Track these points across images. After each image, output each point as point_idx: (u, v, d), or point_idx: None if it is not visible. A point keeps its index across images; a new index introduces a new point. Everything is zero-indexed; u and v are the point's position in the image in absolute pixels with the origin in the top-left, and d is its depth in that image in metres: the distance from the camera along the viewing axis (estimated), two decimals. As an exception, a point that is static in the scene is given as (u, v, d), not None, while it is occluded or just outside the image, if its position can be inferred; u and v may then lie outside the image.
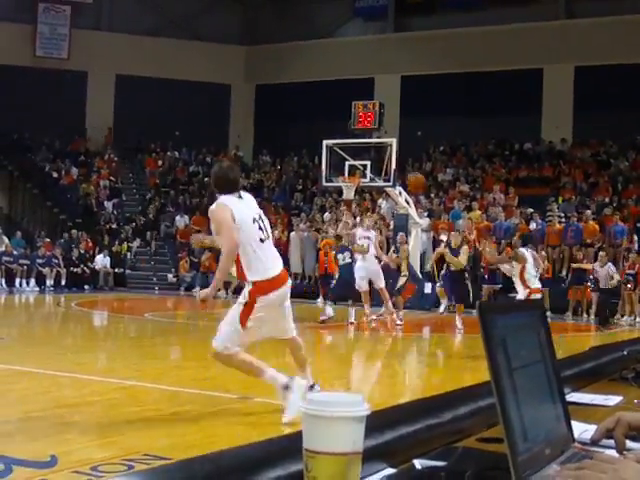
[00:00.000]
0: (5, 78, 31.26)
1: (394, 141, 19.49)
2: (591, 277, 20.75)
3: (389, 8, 34.06)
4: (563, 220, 24.15)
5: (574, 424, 1.80)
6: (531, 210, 24.68)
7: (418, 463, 1.78)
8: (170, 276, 27.91)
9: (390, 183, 19.31)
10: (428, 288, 16.84)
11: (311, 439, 1.53)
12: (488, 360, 1.51)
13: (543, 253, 22.73)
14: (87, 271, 27.13)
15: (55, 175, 32.39)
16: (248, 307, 6.56)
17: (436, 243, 22.29)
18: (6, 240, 27.09)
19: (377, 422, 1.87)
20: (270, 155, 34.53)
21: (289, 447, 1.78)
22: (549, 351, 1.80)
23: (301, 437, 1.57)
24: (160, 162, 34.45)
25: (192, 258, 27.66)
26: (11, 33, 32.42)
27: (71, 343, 13.74)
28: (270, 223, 28.47)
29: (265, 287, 6.63)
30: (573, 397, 2.56)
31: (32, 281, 26.24)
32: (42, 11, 33.64)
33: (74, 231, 28.79)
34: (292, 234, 26.35)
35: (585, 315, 20.87)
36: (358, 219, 24.30)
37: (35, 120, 30.90)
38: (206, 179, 33.33)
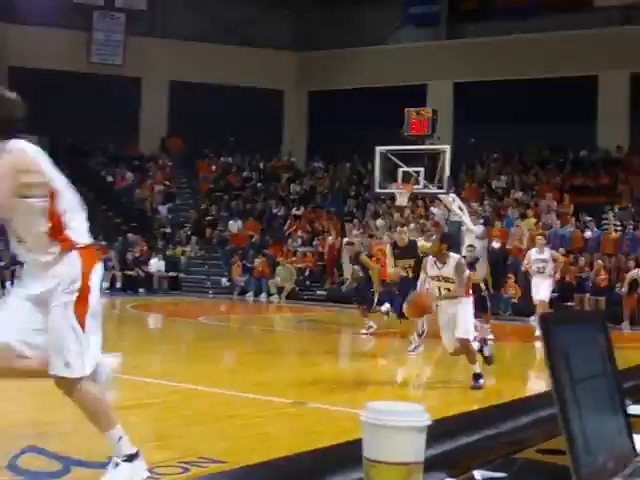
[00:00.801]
0: (61, 84, 31.68)
1: (447, 148, 19.40)
2: None
3: (442, 14, 33.94)
4: (619, 229, 23.86)
5: (636, 437, 1.79)
6: (589, 218, 24.41)
7: (478, 474, 1.78)
8: (224, 280, 28.07)
9: (443, 190, 19.22)
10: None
11: (372, 448, 1.55)
12: (550, 372, 1.51)
13: (599, 262, 22.46)
14: (142, 274, 27.40)
15: (110, 179, 32.79)
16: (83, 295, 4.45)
17: (489, 250, 22.16)
18: (62, 243, 27.47)
19: (437, 432, 1.89)
20: (323, 161, 34.58)
21: (350, 455, 1.80)
22: (610, 363, 1.79)
23: (361, 445, 1.59)
24: (213, 167, 34.69)
25: (245, 262, 27.84)
26: (67, 40, 32.87)
27: (127, 345, 13.88)
28: (323, 229, 28.34)
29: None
30: (633, 409, 2.53)
31: (88, 283, 26.55)
32: (97, 18, 34.06)
33: (129, 234, 29.11)
34: (345, 240, 26.34)
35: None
36: (412, 226, 24.28)
37: (90, 125, 31.24)
38: (259, 184, 33.55)
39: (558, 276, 17.92)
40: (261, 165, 34.95)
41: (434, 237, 11.50)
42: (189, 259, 29.30)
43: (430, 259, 10.04)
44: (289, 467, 1.95)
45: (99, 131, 31.68)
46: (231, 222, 30.56)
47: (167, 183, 33.21)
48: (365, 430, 1.62)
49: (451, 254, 9.98)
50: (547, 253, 16.96)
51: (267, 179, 33.97)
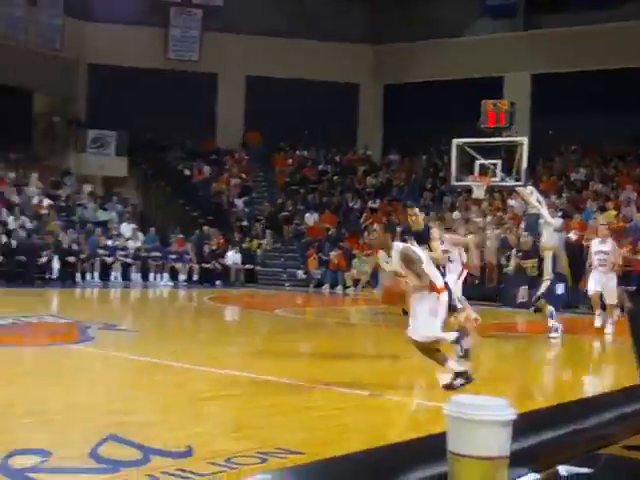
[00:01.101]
0: (139, 80, 32.23)
1: (525, 140, 19.15)
2: None
3: (519, 6, 33.56)
4: (700, 221, 23.31)
5: None
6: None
7: (563, 469, 1.76)
8: (300, 273, 28.22)
9: (521, 182, 18.98)
10: (560, 289, 16.09)
11: (456, 442, 1.54)
12: (638, 364, 1.49)
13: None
14: (218, 267, 27.66)
15: (187, 173, 33.18)
16: None
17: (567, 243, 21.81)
18: (141, 236, 27.95)
19: (521, 426, 1.86)
20: (398, 154, 34.48)
21: (432, 448, 1.79)
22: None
23: (442, 439, 1.58)
24: (289, 161, 34.86)
25: (321, 255, 27.94)
26: (144, 36, 33.39)
27: (205, 337, 14.04)
28: (399, 222, 28.10)
29: None
30: None
31: (166, 276, 26.95)
32: (174, 15, 34.48)
33: (206, 227, 29.41)
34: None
35: None
36: (489, 218, 24.06)
37: (167, 121, 31.63)
38: (335, 177, 33.60)
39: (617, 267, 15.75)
40: (337, 158, 35.01)
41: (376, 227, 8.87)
42: (265, 252, 29.48)
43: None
44: (371, 460, 1.95)
45: (176, 126, 32.09)
46: (307, 215, 30.69)
47: (243, 176, 33.46)
48: (449, 424, 1.60)
49: (395, 244, 8.08)
50: (609, 244, 15.51)
51: (343, 172, 34.00)
